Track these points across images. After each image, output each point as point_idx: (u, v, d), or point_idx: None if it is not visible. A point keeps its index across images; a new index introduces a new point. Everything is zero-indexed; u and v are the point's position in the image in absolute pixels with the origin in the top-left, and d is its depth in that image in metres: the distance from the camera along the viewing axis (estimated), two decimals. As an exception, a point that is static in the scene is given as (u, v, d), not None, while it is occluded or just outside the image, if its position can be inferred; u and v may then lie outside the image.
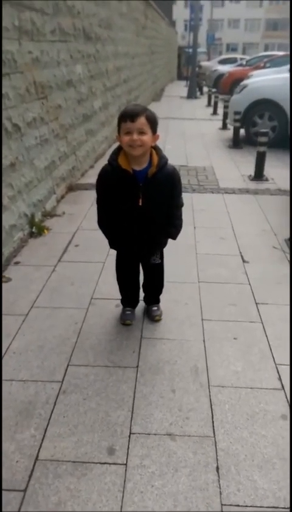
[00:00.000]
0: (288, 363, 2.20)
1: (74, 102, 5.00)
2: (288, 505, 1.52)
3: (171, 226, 2.22)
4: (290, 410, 1.91)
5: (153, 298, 2.59)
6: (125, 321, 2.50)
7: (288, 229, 3.82)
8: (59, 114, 4.45)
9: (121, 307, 2.58)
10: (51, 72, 4.15)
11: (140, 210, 2.07)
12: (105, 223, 2.21)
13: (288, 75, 7.30)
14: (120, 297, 2.56)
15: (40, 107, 3.86)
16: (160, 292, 2.59)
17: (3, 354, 2.24)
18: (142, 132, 1.88)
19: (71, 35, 4.79)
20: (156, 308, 2.56)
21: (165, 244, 2.38)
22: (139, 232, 2.16)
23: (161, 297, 2.60)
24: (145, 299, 2.60)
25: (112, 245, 2.33)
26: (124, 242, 2.25)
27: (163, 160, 2.04)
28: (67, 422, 1.83)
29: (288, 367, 2.17)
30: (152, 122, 1.92)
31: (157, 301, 2.60)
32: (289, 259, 3.30)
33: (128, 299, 2.55)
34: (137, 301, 2.58)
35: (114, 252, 2.41)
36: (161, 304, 2.60)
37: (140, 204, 2.05)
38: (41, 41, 3.85)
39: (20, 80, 3.40)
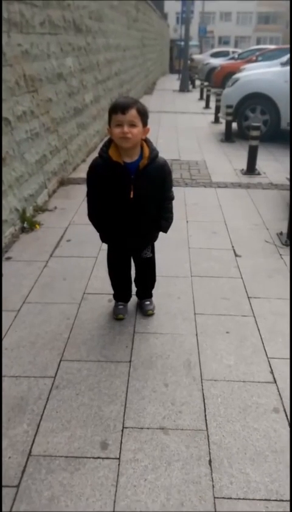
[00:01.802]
0: (280, 356, 2.21)
1: (65, 95, 4.96)
2: (280, 498, 1.53)
3: (162, 219, 2.22)
4: (290, 405, 1.92)
5: (145, 292, 2.58)
6: (117, 315, 2.49)
7: (280, 223, 3.83)
8: (50, 108, 4.40)
9: (113, 302, 2.58)
10: (41, 64, 4.11)
11: (132, 202, 2.06)
12: (96, 216, 2.20)
13: (279, 68, 7.29)
14: (113, 292, 2.55)
15: (30, 101, 3.82)
16: (152, 286, 2.58)
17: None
18: (132, 125, 1.88)
19: (61, 27, 4.74)
20: (148, 303, 2.56)
21: (156, 238, 2.37)
22: (130, 225, 2.15)
23: (154, 291, 2.60)
24: (137, 293, 2.60)
25: (103, 239, 2.32)
26: (115, 235, 2.25)
27: (154, 152, 2.04)
28: (60, 418, 1.83)
29: (280, 360, 2.18)
30: (143, 115, 1.92)
31: (150, 296, 2.60)
32: (280, 253, 3.31)
33: (120, 293, 2.55)
34: (130, 296, 2.58)
35: (106, 247, 2.40)
36: (154, 298, 2.60)
37: (132, 196, 2.04)
38: (30, 33, 3.80)
39: (9, 73, 3.36)
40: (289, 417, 1.85)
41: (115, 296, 2.57)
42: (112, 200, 2.09)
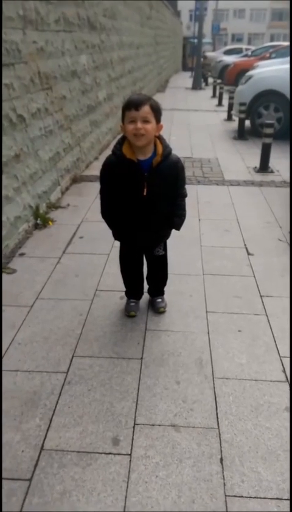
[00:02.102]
0: (293, 355, 2.20)
1: (79, 93, 4.97)
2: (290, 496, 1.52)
3: (175, 216, 2.22)
4: (290, 401, 1.91)
5: (157, 290, 2.59)
6: (129, 312, 2.50)
7: (293, 222, 3.80)
8: (64, 105, 4.42)
9: (125, 299, 2.59)
10: (55, 62, 4.12)
11: (145, 199, 2.06)
12: (109, 214, 2.20)
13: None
14: (125, 289, 2.56)
15: (44, 98, 3.84)
16: (164, 284, 2.58)
17: (8, 345, 2.24)
18: (146, 121, 1.88)
19: (75, 25, 4.75)
20: (160, 300, 2.56)
21: (168, 235, 2.37)
22: (142, 223, 2.15)
23: (166, 288, 2.60)
24: (149, 291, 2.60)
25: (116, 237, 2.32)
26: (128, 233, 2.25)
27: (167, 149, 2.03)
28: (72, 413, 1.84)
29: (293, 360, 2.17)
30: (156, 111, 1.91)
31: (162, 293, 2.60)
32: (294, 251, 3.29)
33: (132, 291, 2.55)
34: (142, 293, 2.58)
35: (118, 244, 2.41)
36: (165, 296, 2.60)
37: (145, 193, 2.04)
38: (45, 31, 3.82)
39: (24, 70, 3.38)
40: (301, 417, 1.84)
41: (127, 293, 2.57)
42: (125, 198, 2.09)
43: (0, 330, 2.34)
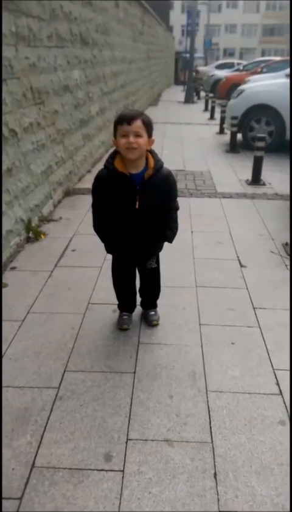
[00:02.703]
0: (286, 368, 2.19)
1: (71, 107, 5.01)
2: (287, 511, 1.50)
3: (167, 229, 2.22)
4: (290, 416, 1.90)
5: (150, 302, 2.58)
6: (122, 325, 2.49)
7: (286, 233, 3.82)
8: (56, 119, 4.45)
9: (118, 312, 2.58)
10: (48, 77, 4.16)
11: (137, 213, 2.07)
12: (101, 227, 2.21)
13: (284, 80, 7.34)
14: (117, 302, 2.55)
15: (37, 113, 3.86)
16: (157, 296, 2.58)
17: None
18: (138, 135, 1.90)
19: (68, 40, 4.81)
20: (153, 313, 2.56)
21: (160, 248, 2.37)
22: (135, 236, 2.16)
23: (158, 301, 2.60)
24: (142, 304, 2.60)
25: (108, 250, 2.33)
26: (120, 246, 2.25)
27: (159, 163, 2.05)
28: (64, 429, 1.82)
29: (286, 372, 2.16)
30: (148, 126, 1.94)
31: (155, 306, 2.59)
32: (286, 263, 3.30)
33: (125, 304, 2.54)
34: (134, 306, 2.57)
35: (110, 257, 2.40)
36: (158, 309, 2.59)
37: (137, 207, 2.05)
38: (37, 47, 3.86)
39: (16, 86, 3.40)
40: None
41: (119, 306, 2.56)
42: (117, 211, 2.10)
43: (0, 340, 2.32)
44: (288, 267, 3.24)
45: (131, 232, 2.15)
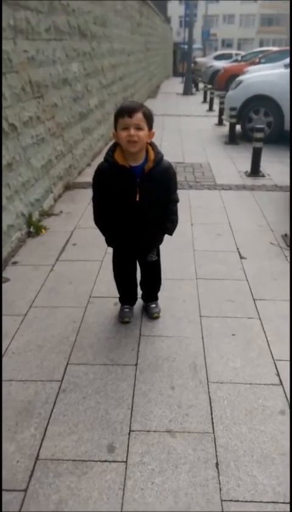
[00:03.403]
0: (286, 358, 2.21)
1: (70, 100, 4.99)
2: (288, 500, 1.53)
3: (168, 221, 2.23)
4: (290, 406, 1.92)
5: (151, 295, 2.59)
6: (123, 318, 2.50)
7: (285, 225, 3.83)
8: (56, 113, 4.44)
9: (119, 305, 2.59)
10: (47, 70, 4.14)
11: (137, 205, 2.07)
12: (101, 220, 2.21)
13: (283, 70, 7.29)
14: (118, 295, 2.57)
15: (36, 106, 3.85)
16: (158, 289, 2.59)
17: (2, 354, 2.24)
18: (139, 128, 1.90)
19: (66, 33, 4.77)
20: (154, 305, 2.57)
21: (161, 241, 2.38)
22: (135, 228, 2.16)
23: (159, 294, 2.61)
24: (143, 297, 2.61)
25: (109, 243, 2.33)
26: (121, 239, 2.26)
27: (159, 155, 2.06)
28: (67, 421, 1.84)
29: (286, 362, 2.18)
30: (149, 118, 1.94)
31: (156, 299, 2.61)
32: (285, 255, 3.31)
33: (126, 297, 2.56)
34: (135, 299, 2.59)
35: (111, 250, 2.41)
36: (159, 301, 2.61)
37: (137, 199, 2.06)
38: (36, 40, 3.84)
39: (16, 79, 3.39)
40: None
41: (120, 299, 2.58)
42: (118, 204, 2.10)
43: (0, 336, 2.34)
44: (288, 258, 3.25)
45: (132, 225, 2.15)
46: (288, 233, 3.63)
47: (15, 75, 3.39)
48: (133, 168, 2.02)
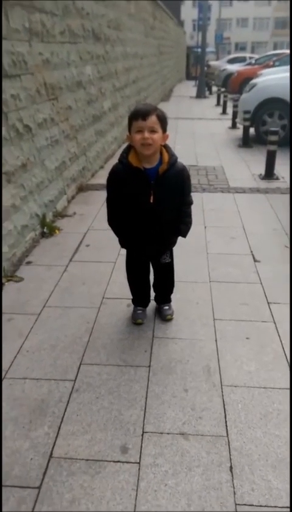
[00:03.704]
0: (301, 362, 2.19)
1: (84, 103, 5.02)
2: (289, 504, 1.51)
3: (182, 223, 2.23)
4: (290, 409, 1.90)
5: (164, 297, 2.59)
6: (136, 320, 2.50)
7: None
8: (70, 115, 4.47)
9: (132, 306, 2.59)
10: (61, 73, 4.18)
11: (151, 207, 2.07)
12: (115, 222, 2.22)
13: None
14: (131, 297, 2.57)
15: (50, 108, 3.88)
16: (171, 291, 2.59)
17: (16, 353, 2.25)
18: (153, 131, 1.90)
19: (80, 36, 4.81)
20: (167, 308, 2.57)
21: (174, 243, 2.38)
22: (149, 230, 2.16)
23: (172, 296, 2.60)
24: (156, 299, 2.61)
25: (122, 245, 2.34)
26: (134, 240, 2.26)
27: (173, 158, 2.06)
28: (80, 421, 1.84)
29: (301, 367, 2.16)
30: (163, 121, 1.94)
31: (169, 301, 2.60)
32: (301, 258, 3.28)
33: (139, 298, 2.55)
34: (148, 301, 2.59)
35: (124, 252, 2.42)
36: (172, 303, 2.60)
37: (152, 201, 2.06)
38: (50, 42, 3.87)
39: (30, 81, 3.42)
40: (311, 424, 1.82)
41: (133, 301, 2.58)
42: (132, 206, 2.11)
43: (0, 339, 2.35)
44: (303, 262, 3.22)
45: (145, 226, 2.15)
46: (289, 238, 3.59)
47: (30, 77, 3.42)
48: (147, 170, 2.02)
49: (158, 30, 13.78)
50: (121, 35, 7.28)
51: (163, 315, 2.54)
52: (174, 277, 2.54)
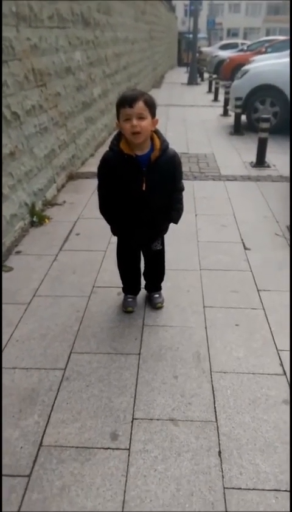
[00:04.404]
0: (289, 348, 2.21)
1: (73, 89, 4.95)
2: (290, 488, 1.53)
3: (173, 210, 2.22)
4: (290, 395, 1.92)
5: (155, 285, 2.59)
6: (126, 308, 2.50)
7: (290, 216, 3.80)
8: (59, 102, 4.41)
9: (123, 295, 2.59)
10: (50, 58, 4.11)
11: (143, 195, 2.06)
12: (107, 209, 2.20)
13: (289, 59, 7.19)
14: (122, 285, 2.56)
15: (39, 95, 3.82)
16: (161, 279, 2.59)
17: (6, 343, 2.25)
18: (141, 118, 1.87)
19: (69, 21, 4.73)
20: (157, 295, 2.57)
21: (166, 229, 2.37)
22: (141, 217, 2.16)
23: (163, 284, 2.61)
24: (146, 287, 2.61)
25: (114, 232, 2.33)
26: (126, 228, 2.25)
27: (165, 143, 2.04)
28: (71, 409, 1.85)
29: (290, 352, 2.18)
30: (151, 106, 1.91)
31: (159, 289, 2.60)
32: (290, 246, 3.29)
33: (129, 286, 2.55)
34: (139, 289, 2.58)
35: (115, 240, 2.41)
36: (163, 291, 2.60)
37: (144, 188, 2.04)
38: (39, 27, 3.80)
39: (18, 67, 3.36)
40: (299, 409, 1.85)
41: (124, 289, 2.58)
42: (124, 193, 2.09)
43: (0, 327, 2.34)
44: (293, 249, 3.23)
45: (137, 213, 2.14)
46: (289, 225, 3.60)
47: (18, 63, 3.36)
48: (139, 157, 2.01)
49: (149, 15, 13.58)
50: (111, 20, 7.16)
51: (153, 303, 2.54)
52: (164, 265, 2.54)
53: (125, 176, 2.04)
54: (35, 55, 3.73)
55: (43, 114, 3.93)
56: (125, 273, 2.52)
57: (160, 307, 2.53)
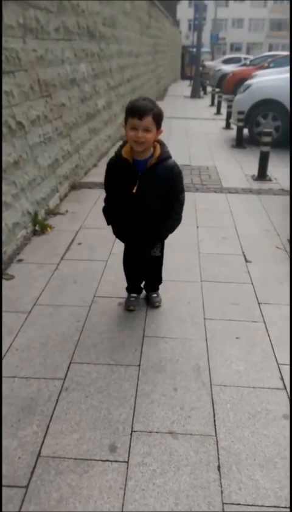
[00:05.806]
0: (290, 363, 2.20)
1: (78, 101, 5.00)
2: (289, 505, 1.52)
3: (169, 219, 2.28)
4: (290, 409, 1.91)
5: (152, 286, 2.67)
6: (129, 307, 2.57)
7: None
8: (63, 113, 4.45)
9: (123, 305, 2.60)
10: (55, 70, 4.16)
11: (134, 197, 2.14)
12: (108, 210, 2.33)
13: None
14: (123, 296, 2.59)
15: (44, 106, 3.86)
16: (159, 282, 2.66)
17: (5, 351, 2.24)
18: (147, 130, 1.94)
19: (75, 33, 4.79)
20: (155, 295, 2.65)
21: (162, 236, 2.40)
22: (134, 219, 2.25)
23: (163, 295, 2.63)
24: (145, 286, 2.68)
25: (115, 233, 2.43)
26: (123, 230, 2.35)
27: (165, 154, 2.13)
28: (69, 420, 1.83)
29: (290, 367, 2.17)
30: (158, 120, 2.01)
31: (157, 289, 2.68)
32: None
33: (133, 285, 2.64)
34: (141, 289, 2.67)
35: (117, 251, 2.43)
36: (163, 302, 2.62)
37: (134, 191, 2.12)
38: (45, 39, 3.85)
39: (24, 78, 3.40)
40: (299, 424, 1.84)
41: (127, 288, 2.65)
42: (119, 195, 2.22)
43: (0, 335, 2.34)
44: (294, 263, 3.24)
45: (131, 215, 2.24)
46: (289, 238, 3.61)
47: (24, 74, 3.40)
48: (137, 161, 2.11)
49: (153, 29, 13.77)
50: (117, 33, 7.26)
51: (152, 303, 2.63)
52: (161, 272, 2.60)
53: (121, 179, 2.17)
54: (41, 66, 3.78)
55: (47, 124, 3.97)
56: (129, 274, 2.61)
57: (158, 306, 2.61)
